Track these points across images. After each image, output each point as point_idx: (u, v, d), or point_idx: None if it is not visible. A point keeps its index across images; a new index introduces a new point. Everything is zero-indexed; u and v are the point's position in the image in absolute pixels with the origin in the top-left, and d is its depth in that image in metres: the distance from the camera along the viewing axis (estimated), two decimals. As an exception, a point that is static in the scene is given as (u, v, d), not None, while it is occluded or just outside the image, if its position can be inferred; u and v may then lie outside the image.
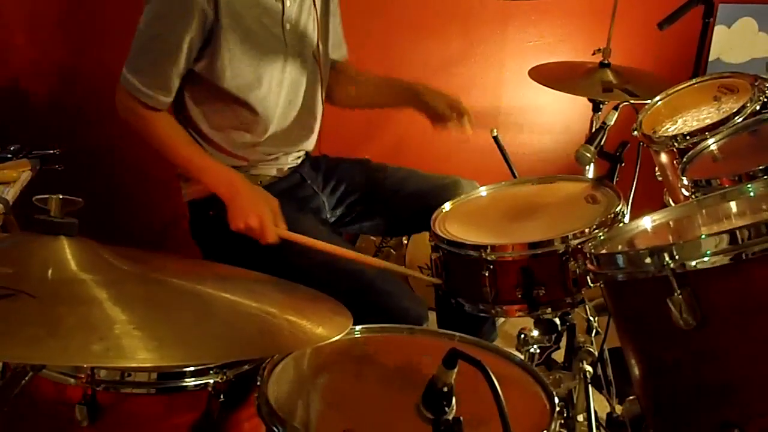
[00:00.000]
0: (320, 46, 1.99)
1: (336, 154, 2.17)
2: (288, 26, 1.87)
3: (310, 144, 2.06)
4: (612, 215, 1.53)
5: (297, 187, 2.00)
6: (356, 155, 2.19)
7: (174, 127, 1.82)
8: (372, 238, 2.97)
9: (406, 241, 2.95)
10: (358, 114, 2.88)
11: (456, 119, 1.99)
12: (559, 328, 1.65)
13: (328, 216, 2.04)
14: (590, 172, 2.21)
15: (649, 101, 1.96)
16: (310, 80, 1.98)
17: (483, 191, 1.86)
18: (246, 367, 1.21)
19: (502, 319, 2.53)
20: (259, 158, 1.94)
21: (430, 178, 2.06)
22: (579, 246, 1.45)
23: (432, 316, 2.04)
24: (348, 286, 1.60)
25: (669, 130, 1.80)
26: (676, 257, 1.00)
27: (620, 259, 1.11)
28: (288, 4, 1.86)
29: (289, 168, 2.01)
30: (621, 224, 1.48)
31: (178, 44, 1.71)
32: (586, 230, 1.49)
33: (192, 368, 1.18)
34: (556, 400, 1.11)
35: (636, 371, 1.15)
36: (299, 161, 2.04)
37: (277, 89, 1.88)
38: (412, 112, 2.99)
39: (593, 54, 2.52)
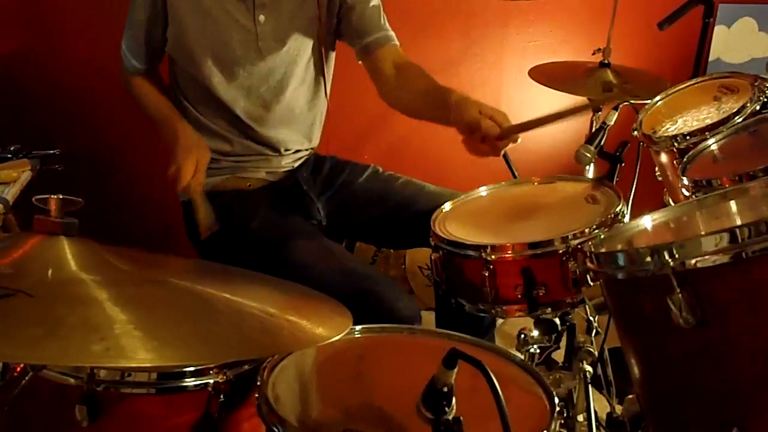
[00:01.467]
0: (321, 46, 1.98)
1: (336, 154, 2.16)
2: (262, 18, 1.86)
3: (308, 143, 2.05)
4: (612, 215, 1.53)
5: (290, 191, 1.99)
6: (357, 155, 2.18)
7: (148, 88, 1.98)
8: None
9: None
10: (359, 114, 2.89)
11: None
12: (559, 328, 1.65)
13: (324, 222, 2.01)
14: (590, 172, 2.21)
15: (649, 101, 1.96)
16: (294, 76, 1.96)
17: (483, 191, 1.86)
18: (246, 367, 1.21)
19: (501, 320, 2.53)
20: (244, 151, 1.96)
21: (440, 196, 1.93)
22: (579, 246, 1.45)
23: (432, 316, 2.04)
24: (341, 287, 1.59)
25: (669, 130, 1.80)
26: (677, 256, 1.00)
27: (620, 258, 1.11)
28: None
29: (284, 171, 2.00)
30: (621, 224, 1.48)
31: (139, 14, 1.88)
32: (586, 230, 1.48)
33: (192, 368, 1.17)
34: (556, 400, 1.11)
35: (636, 371, 1.15)
36: (298, 163, 2.03)
37: (243, 81, 1.90)
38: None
39: (593, 54, 2.52)
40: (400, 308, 1.66)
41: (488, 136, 1.67)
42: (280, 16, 1.89)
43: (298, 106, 1.99)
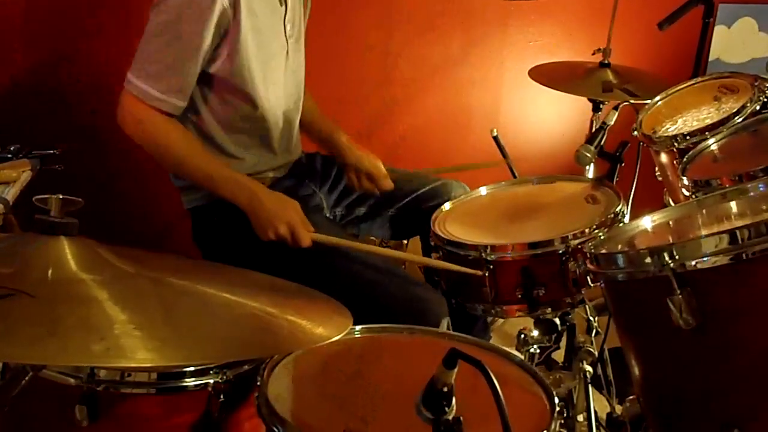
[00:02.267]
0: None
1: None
2: (288, 27, 1.87)
3: (299, 143, 2.06)
4: (612, 215, 1.53)
5: (298, 186, 1.99)
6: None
7: (188, 137, 1.76)
8: (372, 237, 2.97)
9: (406, 242, 2.95)
10: (357, 114, 2.89)
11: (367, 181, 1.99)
12: (559, 328, 1.65)
13: (328, 213, 2.04)
14: (590, 172, 2.22)
15: (649, 101, 1.96)
16: (300, 80, 1.99)
17: (483, 191, 1.86)
18: (246, 367, 1.21)
19: (501, 320, 2.53)
20: (265, 165, 1.93)
21: (435, 183, 2.03)
22: (579, 246, 1.46)
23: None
24: (356, 285, 1.60)
25: (669, 130, 1.80)
26: (676, 257, 1.00)
27: (620, 259, 1.11)
28: (290, 4, 1.86)
29: (284, 168, 2.00)
30: (621, 224, 1.48)
31: (198, 44, 1.66)
32: (586, 230, 1.49)
33: (192, 368, 1.17)
34: (556, 400, 1.11)
35: (636, 371, 1.15)
36: (293, 160, 2.04)
37: (279, 91, 1.88)
38: (412, 113, 3.00)
39: (593, 54, 2.52)
40: (427, 299, 1.68)
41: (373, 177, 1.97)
42: (296, 27, 1.92)
43: (297, 109, 2.01)
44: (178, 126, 1.75)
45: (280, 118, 1.91)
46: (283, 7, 1.84)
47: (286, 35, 1.87)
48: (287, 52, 1.88)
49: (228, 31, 1.70)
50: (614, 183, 1.72)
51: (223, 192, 1.74)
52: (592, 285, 1.29)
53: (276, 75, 1.86)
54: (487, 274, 1.51)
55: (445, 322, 1.66)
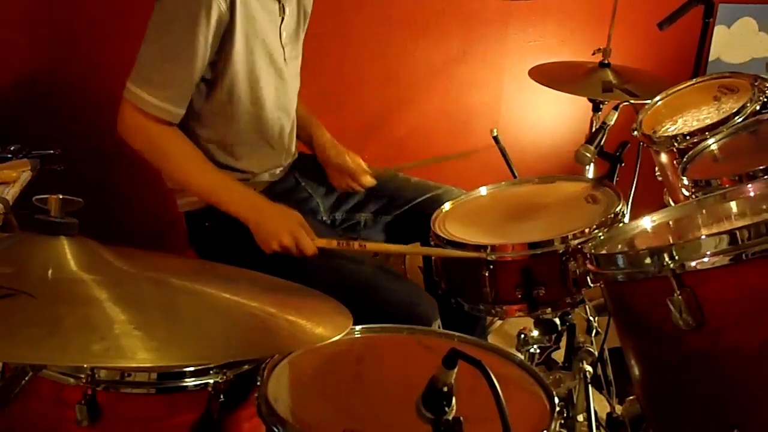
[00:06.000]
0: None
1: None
2: (284, 34, 1.87)
3: (294, 146, 2.06)
4: (612, 215, 1.53)
5: (293, 190, 1.99)
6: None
7: (188, 146, 1.73)
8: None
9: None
10: (356, 115, 2.89)
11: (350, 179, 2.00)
12: (559, 328, 1.65)
13: (325, 218, 2.03)
14: (590, 172, 2.22)
15: (649, 101, 1.96)
16: (296, 88, 1.99)
17: (483, 191, 1.86)
18: (246, 367, 1.21)
19: (500, 320, 2.53)
20: (258, 167, 1.92)
21: (425, 188, 2.04)
22: (579, 246, 1.46)
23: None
24: (349, 285, 1.60)
25: (669, 130, 1.80)
26: (676, 258, 1.00)
27: (620, 260, 1.11)
28: (287, 11, 1.86)
29: (281, 171, 2.00)
30: (621, 224, 1.48)
31: (196, 50, 1.63)
32: (586, 230, 1.49)
33: (192, 368, 1.17)
34: (556, 400, 1.11)
35: (636, 371, 1.15)
36: (289, 163, 2.04)
37: (273, 95, 1.87)
38: (412, 113, 3.00)
39: (593, 54, 2.52)
40: (416, 304, 1.68)
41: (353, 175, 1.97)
42: (291, 30, 1.91)
43: (288, 114, 2.00)
44: (178, 134, 1.73)
45: (276, 123, 1.91)
46: (281, 14, 1.84)
47: (282, 41, 1.86)
48: (284, 59, 1.88)
49: (225, 36, 1.68)
50: (614, 183, 1.72)
51: (225, 206, 1.73)
52: (592, 285, 1.29)
53: (272, 80, 1.86)
54: (487, 274, 1.51)
55: (435, 325, 1.66)
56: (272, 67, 1.85)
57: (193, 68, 1.66)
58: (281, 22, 1.85)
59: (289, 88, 1.94)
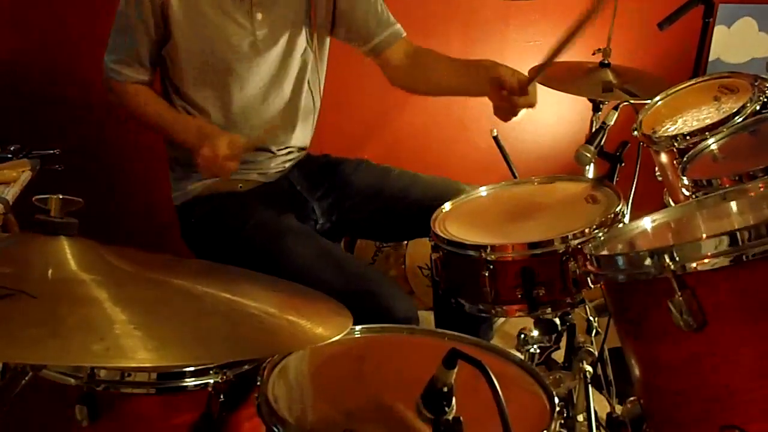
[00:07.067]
0: (315, 39, 1.98)
1: (333, 153, 2.16)
2: (259, 16, 1.86)
3: (297, 140, 2.03)
4: (612, 215, 1.52)
5: (283, 194, 1.98)
6: (354, 155, 2.18)
7: (144, 93, 1.91)
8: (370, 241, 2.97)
9: (406, 243, 2.95)
10: (356, 113, 2.89)
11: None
12: (559, 328, 1.65)
13: (321, 221, 2.01)
14: (590, 172, 2.21)
15: (649, 101, 1.96)
16: (294, 73, 1.96)
17: (483, 191, 1.86)
18: (246, 367, 1.21)
19: (501, 319, 2.53)
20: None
21: (434, 185, 2.01)
22: (579, 246, 1.45)
23: (432, 316, 2.04)
24: (337, 287, 1.59)
25: (669, 130, 1.80)
26: (677, 259, 1.00)
27: (620, 261, 1.10)
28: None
29: (276, 172, 1.99)
30: (621, 224, 1.48)
31: (131, 21, 1.83)
32: (586, 230, 1.48)
33: (192, 368, 1.17)
34: (556, 400, 1.11)
35: (636, 372, 1.15)
36: (290, 164, 2.03)
37: (240, 79, 1.88)
38: (411, 113, 3.00)
39: (593, 54, 2.52)
40: (397, 308, 1.66)
41: (511, 88, 1.79)
42: (276, 13, 1.89)
43: (292, 105, 1.99)
44: (141, 88, 1.91)
45: (250, 114, 1.92)
46: None
47: (253, 20, 1.86)
48: (255, 38, 1.87)
49: (164, 12, 1.81)
50: (614, 183, 1.72)
51: (175, 132, 1.88)
52: (592, 286, 1.29)
53: (234, 59, 1.87)
54: (487, 274, 1.51)
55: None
56: (237, 51, 1.87)
57: (135, 38, 1.85)
58: (251, 4, 1.85)
59: (273, 76, 1.93)
